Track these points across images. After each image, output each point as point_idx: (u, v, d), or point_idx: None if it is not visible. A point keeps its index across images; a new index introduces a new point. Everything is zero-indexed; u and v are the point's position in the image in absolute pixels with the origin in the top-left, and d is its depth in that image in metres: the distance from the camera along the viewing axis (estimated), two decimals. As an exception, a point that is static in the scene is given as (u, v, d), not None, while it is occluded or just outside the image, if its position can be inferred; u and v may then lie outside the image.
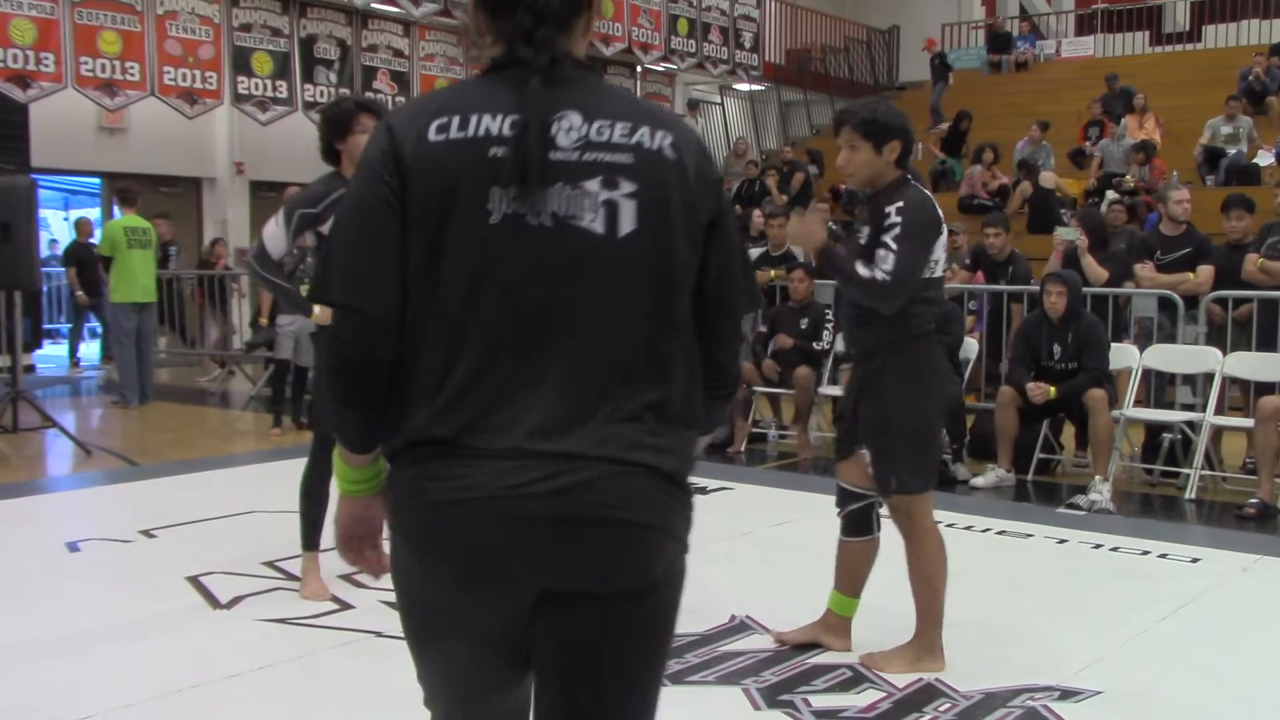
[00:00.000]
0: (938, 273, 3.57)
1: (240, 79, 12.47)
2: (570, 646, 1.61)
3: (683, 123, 1.72)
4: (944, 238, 3.58)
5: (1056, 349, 6.65)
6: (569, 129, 1.58)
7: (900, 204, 3.46)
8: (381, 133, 1.62)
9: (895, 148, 3.53)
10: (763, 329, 8.16)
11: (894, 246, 3.40)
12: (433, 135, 1.56)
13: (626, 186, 1.58)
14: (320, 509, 4.34)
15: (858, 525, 3.81)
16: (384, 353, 1.59)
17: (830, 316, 8.01)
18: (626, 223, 1.58)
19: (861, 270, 3.44)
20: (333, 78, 13.22)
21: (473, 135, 1.56)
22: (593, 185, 1.57)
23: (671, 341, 1.63)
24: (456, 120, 1.57)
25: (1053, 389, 6.51)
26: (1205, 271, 7.15)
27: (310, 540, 4.38)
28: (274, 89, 12.78)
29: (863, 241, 3.55)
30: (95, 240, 11.31)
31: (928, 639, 3.69)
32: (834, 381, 7.90)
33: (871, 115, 3.56)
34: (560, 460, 1.53)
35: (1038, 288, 7.15)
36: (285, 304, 4.46)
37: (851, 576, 3.84)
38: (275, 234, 4.13)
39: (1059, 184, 13.13)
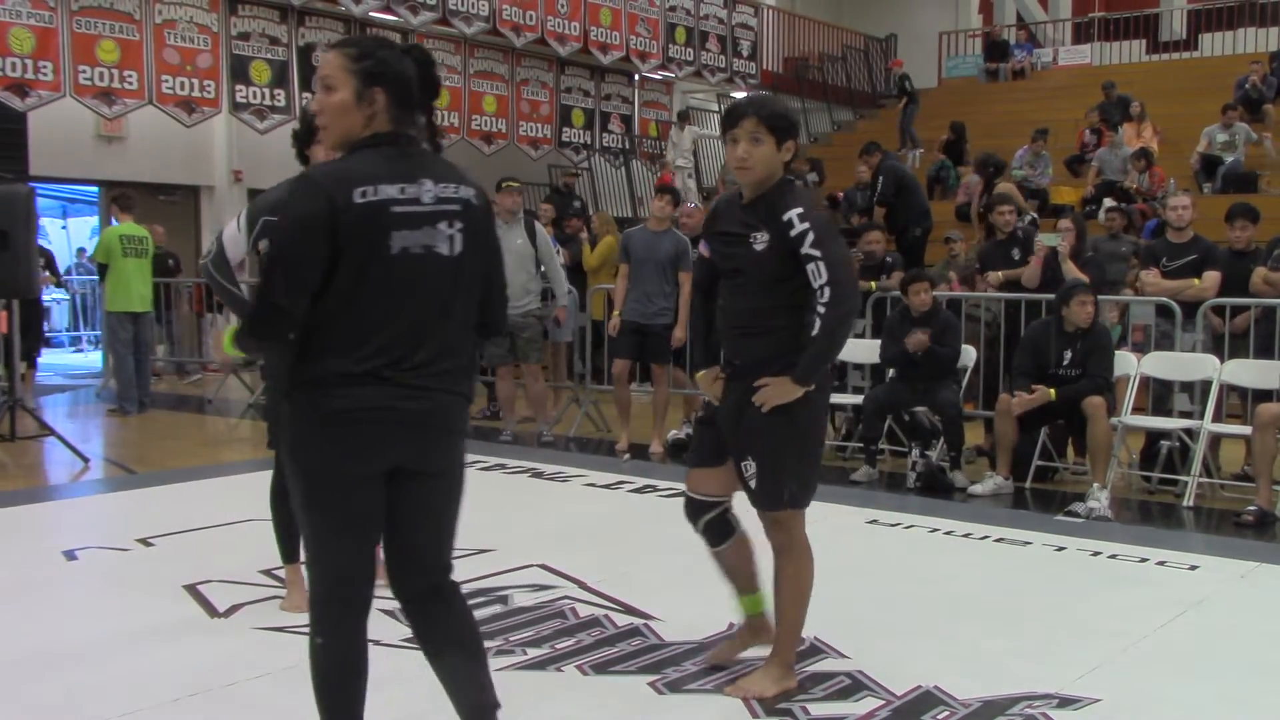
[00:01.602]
0: None
1: (238, 87, 12.49)
2: (413, 500, 2.66)
3: (470, 178, 2.68)
4: None
5: (1067, 355, 6.66)
6: (428, 190, 2.55)
7: (799, 210, 3.35)
8: (319, 195, 2.46)
9: (791, 147, 3.46)
10: None
11: (818, 253, 3.31)
12: (356, 199, 2.46)
13: (458, 225, 2.59)
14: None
15: (720, 532, 3.73)
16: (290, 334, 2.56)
17: None
18: (459, 247, 2.59)
19: (823, 319, 3.32)
20: (331, 86, 13.24)
21: (380, 200, 2.48)
22: (443, 226, 2.56)
23: (474, 316, 2.69)
24: (370, 189, 2.47)
25: (1053, 391, 6.51)
26: (1211, 277, 7.14)
27: (291, 552, 4.30)
28: (272, 97, 12.80)
29: (759, 248, 3.39)
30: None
31: (788, 656, 3.61)
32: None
33: (783, 110, 3.47)
34: (432, 391, 2.57)
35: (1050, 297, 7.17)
36: (235, 311, 4.20)
37: (744, 576, 3.76)
38: (236, 237, 3.98)
39: (1013, 191, 13.12)
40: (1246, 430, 6.45)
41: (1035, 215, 12.54)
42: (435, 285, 2.55)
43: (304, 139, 4.10)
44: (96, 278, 10.47)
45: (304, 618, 4.17)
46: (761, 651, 3.72)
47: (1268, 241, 7.42)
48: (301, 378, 2.54)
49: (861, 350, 7.95)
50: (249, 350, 2.79)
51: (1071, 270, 7.26)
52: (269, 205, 3.93)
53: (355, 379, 2.50)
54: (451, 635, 2.77)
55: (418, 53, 2.66)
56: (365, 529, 2.63)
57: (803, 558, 3.57)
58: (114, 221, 10.25)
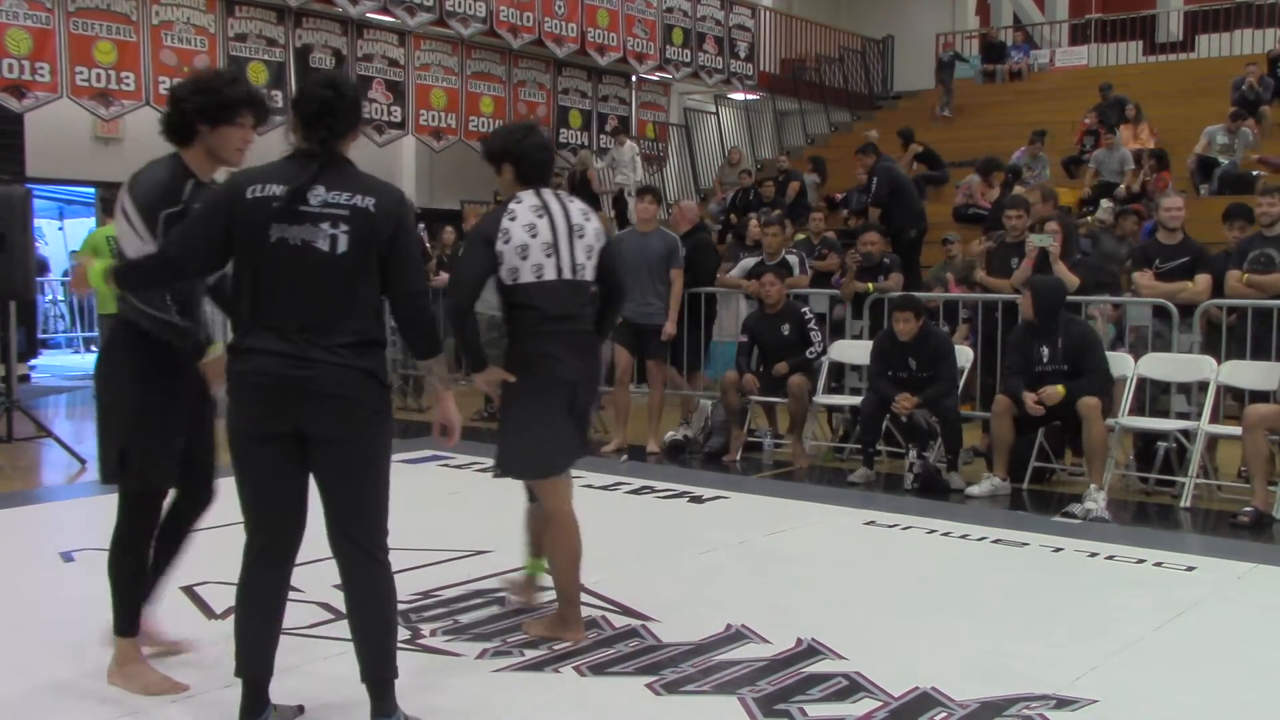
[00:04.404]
0: (521, 279, 3.93)
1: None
2: (318, 463, 3.11)
3: (386, 189, 3.11)
4: (518, 244, 3.92)
5: (1045, 352, 6.68)
6: (317, 194, 3.01)
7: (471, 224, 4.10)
8: (229, 185, 3.06)
9: (507, 168, 4.02)
10: (743, 338, 8.09)
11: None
12: (248, 195, 3.02)
13: (344, 227, 3.01)
14: (141, 583, 3.71)
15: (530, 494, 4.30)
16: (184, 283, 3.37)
17: (810, 316, 7.95)
18: (342, 245, 3.01)
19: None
20: (328, 87, 13.22)
21: (265, 196, 3.00)
22: (325, 225, 3.00)
23: (366, 305, 3.06)
24: (258, 188, 3.01)
25: (1061, 388, 6.52)
26: (1203, 280, 7.15)
27: (129, 623, 3.67)
28: (269, 99, 12.79)
29: None
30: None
31: (565, 613, 4.09)
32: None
33: (485, 148, 4.14)
34: (313, 361, 2.99)
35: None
36: (166, 333, 3.48)
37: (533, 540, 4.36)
38: (140, 245, 3.36)
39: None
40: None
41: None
42: (314, 273, 2.99)
43: (209, 113, 3.52)
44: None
45: (307, 616, 4.23)
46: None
47: (1238, 242, 7.34)
48: (229, 349, 3.10)
49: (858, 352, 7.95)
50: (130, 287, 3.31)
51: (1062, 271, 7.27)
52: (164, 197, 3.47)
53: (251, 349, 3.02)
54: (359, 601, 3.19)
55: (333, 84, 3.14)
56: (262, 484, 3.12)
57: (555, 526, 4.06)
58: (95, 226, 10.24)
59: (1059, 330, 6.67)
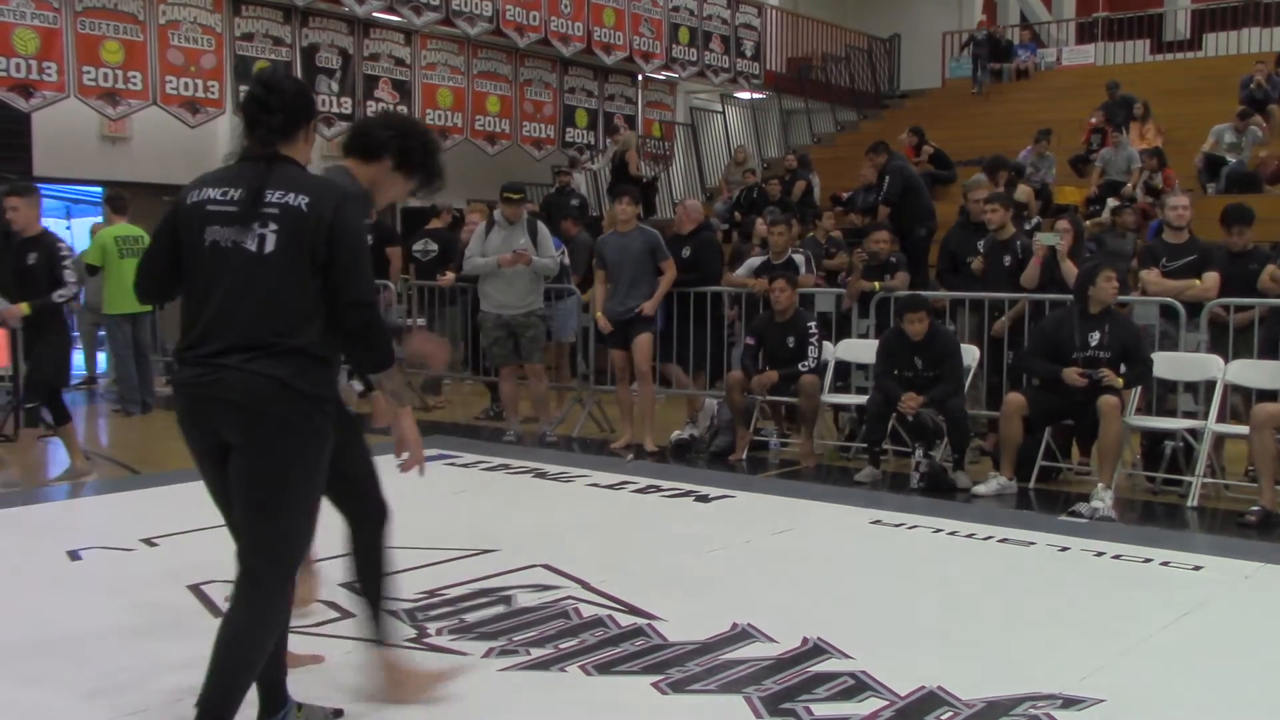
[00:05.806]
0: None
1: (242, 88, 12.46)
2: (232, 470, 2.94)
3: (325, 189, 2.98)
4: None
5: (1094, 337, 6.65)
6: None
7: None
8: (175, 199, 3.02)
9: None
10: (750, 341, 8.08)
11: None
12: (189, 199, 3.00)
13: (273, 226, 2.89)
14: None
15: None
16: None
17: (814, 329, 7.92)
18: (270, 245, 2.89)
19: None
20: (335, 87, 13.25)
21: (201, 200, 2.97)
22: (255, 225, 2.89)
23: (295, 309, 2.90)
24: (197, 192, 3.00)
25: (1120, 380, 6.52)
26: (1211, 278, 7.12)
27: None
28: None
29: None
30: None
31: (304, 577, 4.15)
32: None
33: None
34: (221, 368, 2.87)
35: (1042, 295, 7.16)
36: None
37: None
38: None
39: (1028, 195, 13.08)
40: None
41: (1039, 219, 12.53)
42: (241, 275, 2.89)
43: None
44: (94, 280, 10.40)
45: (313, 615, 4.24)
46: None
47: (1273, 242, 7.40)
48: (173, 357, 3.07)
49: (864, 351, 7.94)
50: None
51: (1070, 270, 7.26)
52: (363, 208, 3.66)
53: (182, 358, 2.96)
54: (226, 627, 3.04)
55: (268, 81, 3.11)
56: (215, 498, 3.07)
57: None
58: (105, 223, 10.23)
59: (1107, 318, 6.68)
